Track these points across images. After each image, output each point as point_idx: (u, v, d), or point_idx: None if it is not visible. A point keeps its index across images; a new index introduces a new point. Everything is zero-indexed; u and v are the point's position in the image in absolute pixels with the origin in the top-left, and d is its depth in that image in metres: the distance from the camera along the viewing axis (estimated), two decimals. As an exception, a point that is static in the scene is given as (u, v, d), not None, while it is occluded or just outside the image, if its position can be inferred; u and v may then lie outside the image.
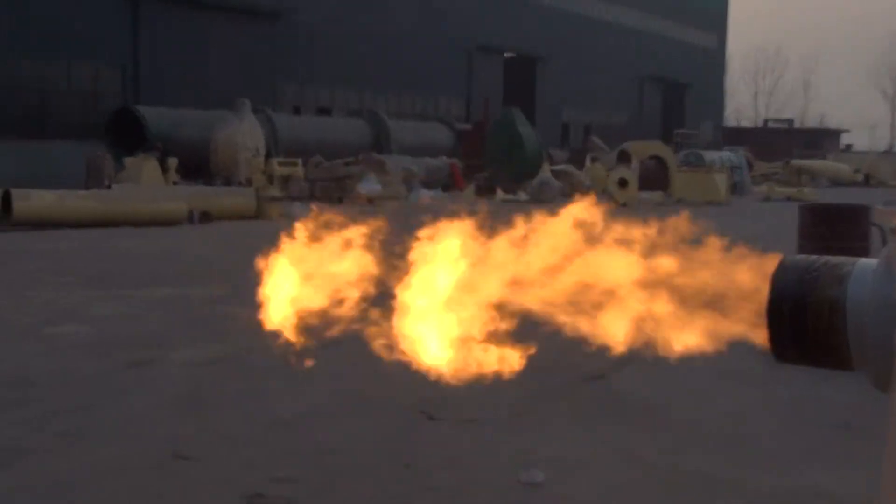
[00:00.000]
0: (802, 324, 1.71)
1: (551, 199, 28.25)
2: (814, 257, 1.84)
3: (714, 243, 2.08)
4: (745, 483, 4.65)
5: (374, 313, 1.91)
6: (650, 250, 2.06)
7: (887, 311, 1.33)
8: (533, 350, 2.20)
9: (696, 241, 2.14)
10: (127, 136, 28.74)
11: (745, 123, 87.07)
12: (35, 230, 16.89)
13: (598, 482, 4.67)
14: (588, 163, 35.93)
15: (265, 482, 4.51)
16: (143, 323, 8.75)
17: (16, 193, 17.45)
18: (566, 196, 30.75)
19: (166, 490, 4.47)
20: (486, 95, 43.46)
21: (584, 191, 32.99)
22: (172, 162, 26.21)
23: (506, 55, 52.65)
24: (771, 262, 1.92)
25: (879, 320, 1.35)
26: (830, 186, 42.37)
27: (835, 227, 8.89)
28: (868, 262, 1.48)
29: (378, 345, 1.96)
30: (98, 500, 4.38)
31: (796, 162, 46.14)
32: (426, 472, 4.72)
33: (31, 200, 17.57)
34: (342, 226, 2.01)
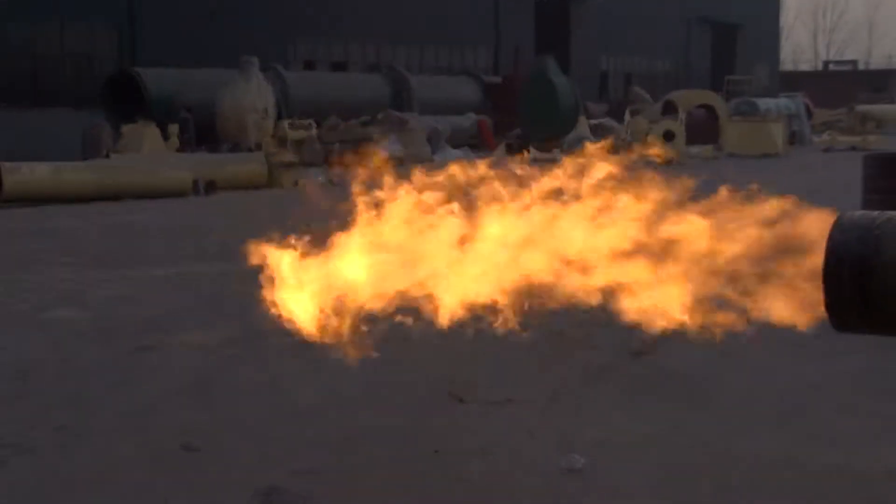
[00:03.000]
0: (865, 287, 1.67)
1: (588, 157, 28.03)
2: (875, 213, 1.79)
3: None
4: (806, 463, 4.63)
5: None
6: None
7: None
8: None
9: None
10: (125, 101, 28.81)
11: (804, 67, 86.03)
12: (28, 206, 17.00)
13: (645, 467, 4.66)
14: (627, 115, 35.69)
15: (282, 475, 4.54)
16: (148, 305, 8.80)
17: (4, 167, 17.52)
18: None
19: (174, 486, 4.50)
20: (515, 44, 43.14)
21: (624, 146, 32.70)
22: (173, 128, 26.30)
23: (536, -2, 52.22)
24: (826, 220, 1.89)
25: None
26: (899, 134, 41.87)
27: (904, 180, 8.76)
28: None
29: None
30: (101, 498, 4.41)
31: (861, 107, 45.60)
32: (456, 461, 4.73)
33: (21, 174, 17.65)
34: None
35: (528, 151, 28.85)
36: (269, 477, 4.52)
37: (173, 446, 4.97)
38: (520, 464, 4.72)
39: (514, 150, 29.62)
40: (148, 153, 23.22)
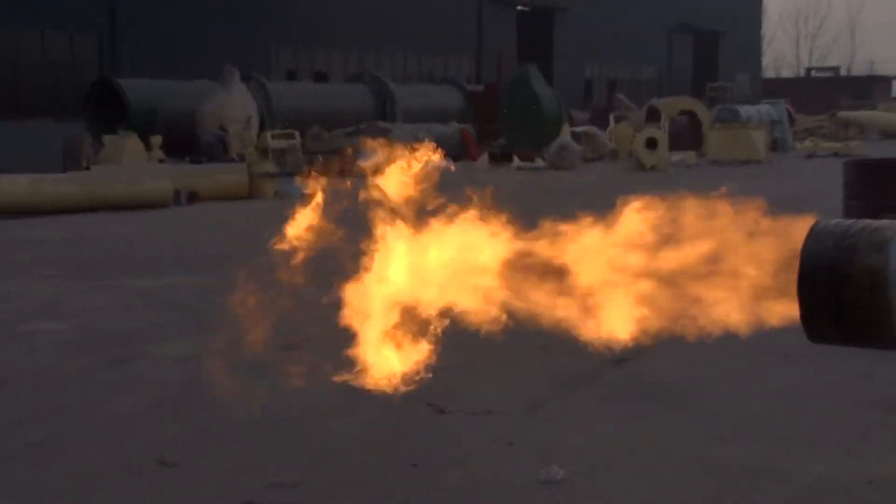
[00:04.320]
0: (839, 297, 1.64)
1: (571, 166, 28.09)
2: (850, 221, 1.76)
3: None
4: (789, 472, 4.61)
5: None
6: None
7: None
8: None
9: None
10: (106, 111, 28.71)
11: (786, 73, 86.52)
12: (8, 218, 16.89)
13: (626, 478, 4.63)
14: (612, 122, 35.77)
15: (259, 489, 4.49)
16: (126, 316, 8.74)
17: (-18, 179, 17.41)
18: (588, 160, 30.58)
19: (150, 500, 4.45)
20: (498, 53, 43.17)
21: (608, 154, 32.90)
22: (156, 140, 26.22)
23: (519, 8, 52.33)
24: (801, 228, 1.86)
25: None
26: (881, 139, 42.09)
27: (885, 186, 8.74)
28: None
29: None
30: (75, 513, 4.36)
31: (843, 114, 45.83)
32: (435, 472, 4.69)
33: (1, 186, 17.53)
34: None
35: (512, 160, 28.86)
36: (244, 490, 4.48)
37: (150, 460, 4.92)
38: (499, 475, 4.68)
39: (497, 159, 29.61)
40: (128, 164, 23.11)
